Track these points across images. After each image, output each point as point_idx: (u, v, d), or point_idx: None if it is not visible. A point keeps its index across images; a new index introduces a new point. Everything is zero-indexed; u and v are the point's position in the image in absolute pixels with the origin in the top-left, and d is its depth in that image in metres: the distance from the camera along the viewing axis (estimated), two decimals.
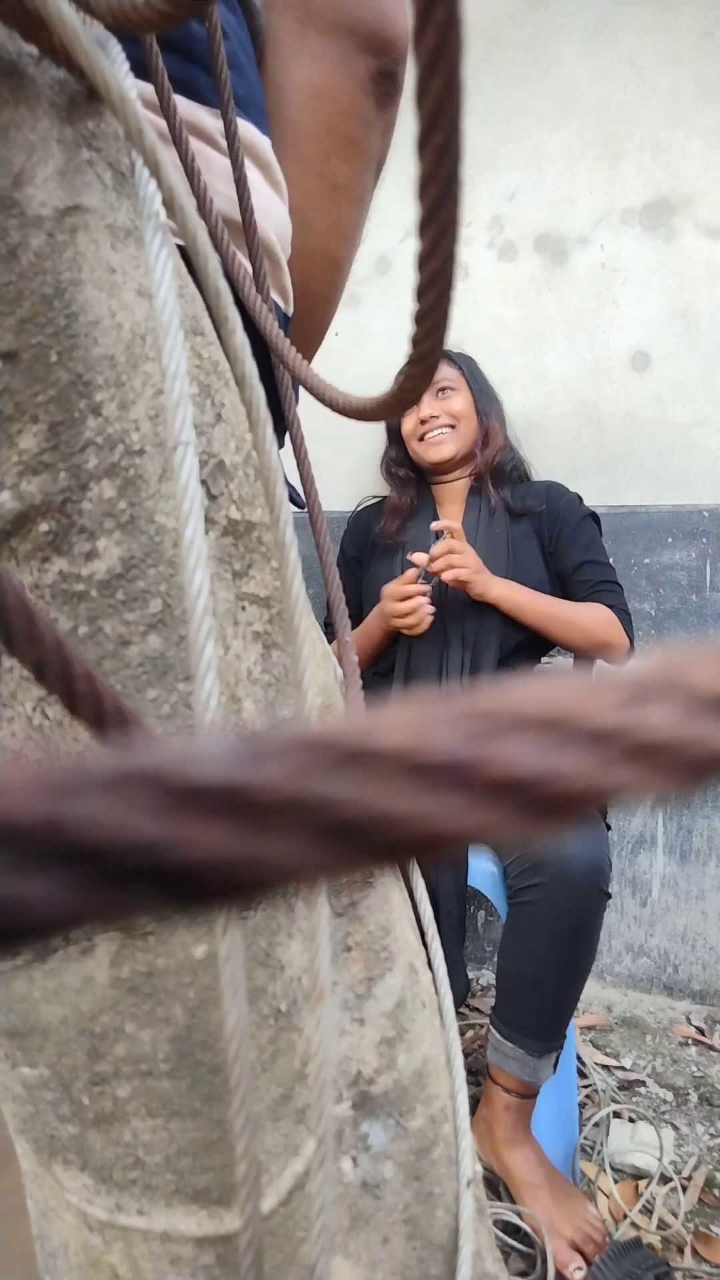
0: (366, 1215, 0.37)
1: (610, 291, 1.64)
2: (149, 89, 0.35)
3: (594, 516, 1.35)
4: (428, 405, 1.39)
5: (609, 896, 1.05)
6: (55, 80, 0.29)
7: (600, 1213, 1.03)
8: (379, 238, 1.77)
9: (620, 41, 1.58)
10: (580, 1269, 0.94)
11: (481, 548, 1.30)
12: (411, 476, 1.48)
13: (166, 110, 0.35)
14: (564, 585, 1.30)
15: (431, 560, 1.19)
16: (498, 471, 1.38)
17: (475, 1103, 1.22)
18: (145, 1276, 0.34)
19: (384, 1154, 0.38)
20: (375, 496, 1.54)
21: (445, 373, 1.41)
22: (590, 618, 1.22)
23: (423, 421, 1.39)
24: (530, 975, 1.03)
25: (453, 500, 1.43)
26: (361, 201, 0.60)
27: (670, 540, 1.59)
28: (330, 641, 0.83)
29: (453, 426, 1.39)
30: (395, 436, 1.50)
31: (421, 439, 1.41)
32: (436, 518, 1.40)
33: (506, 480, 1.39)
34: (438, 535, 1.23)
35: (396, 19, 0.53)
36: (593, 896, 1.02)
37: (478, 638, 1.25)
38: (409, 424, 1.43)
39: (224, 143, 0.46)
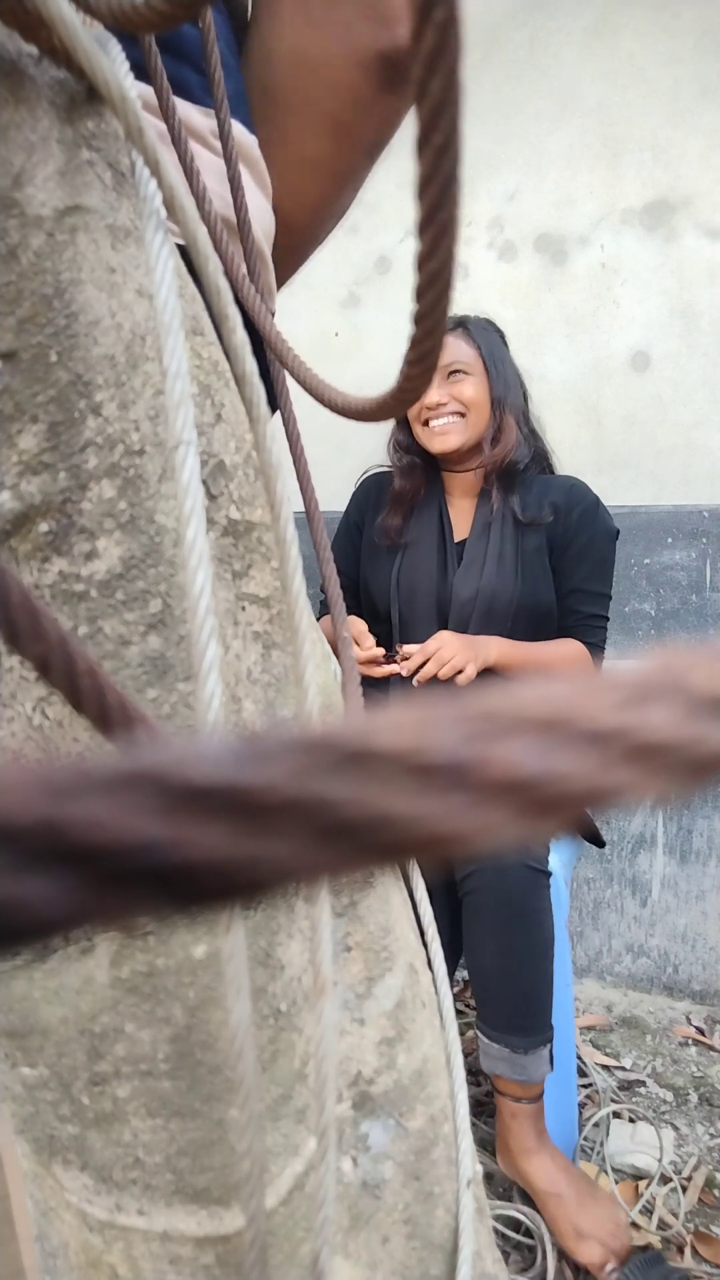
0: (366, 1215, 0.37)
1: (610, 291, 1.64)
2: (147, 90, 0.35)
3: (611, 532, 1.26)
4: (435, 390, 1.23)
5: (548, 875, 1.03)
6: (55, 80, 0.29)
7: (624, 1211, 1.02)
8: (379, 238, 1.77)
9: (620, 41, 1.58)
10: (614, 1270, 0.94)
11: (491, 564, 1.21)
12: (418, 463, 1.32)
13: (166, 111, 0.35)
14: (557, 601, 1.24)
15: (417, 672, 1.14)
16: (508, 472, 1.24)
17: (475, 1103, 1.21)
18: (145, 1276, 0.34)
19: (384, 1154, 0.38)
20: (385, 465, 1.43)
21: (460, 353, 1.23)
22: (561, 656, 1.20)
23: (428, 407, 1.24)
24: (492, 968, 1.03)
25: (463, 493, 1.30)
26: (339, 185, 0.55)
27: (670, 540, 1.59)
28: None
29: (462, 415, 1.23)
30: (401, 418, 1.33)
31: (426, 423, 1.26)
32: (443, 515, 1.29)
33: (518, 483, 1.25)
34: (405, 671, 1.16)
35: None
36: (526, 875, 1.01)
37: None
38: (413, 407, 1.31)
39: (215, 142, 0.46)
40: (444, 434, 1.23)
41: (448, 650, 1.12)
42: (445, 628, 1.22)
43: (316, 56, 0.48)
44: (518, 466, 1.25)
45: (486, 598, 1.20)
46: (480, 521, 1.25)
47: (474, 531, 1.25)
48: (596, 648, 1.23)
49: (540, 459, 1.31)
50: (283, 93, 0.49)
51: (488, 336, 1.27)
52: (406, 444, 1.33)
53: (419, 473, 1.32)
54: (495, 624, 1.20)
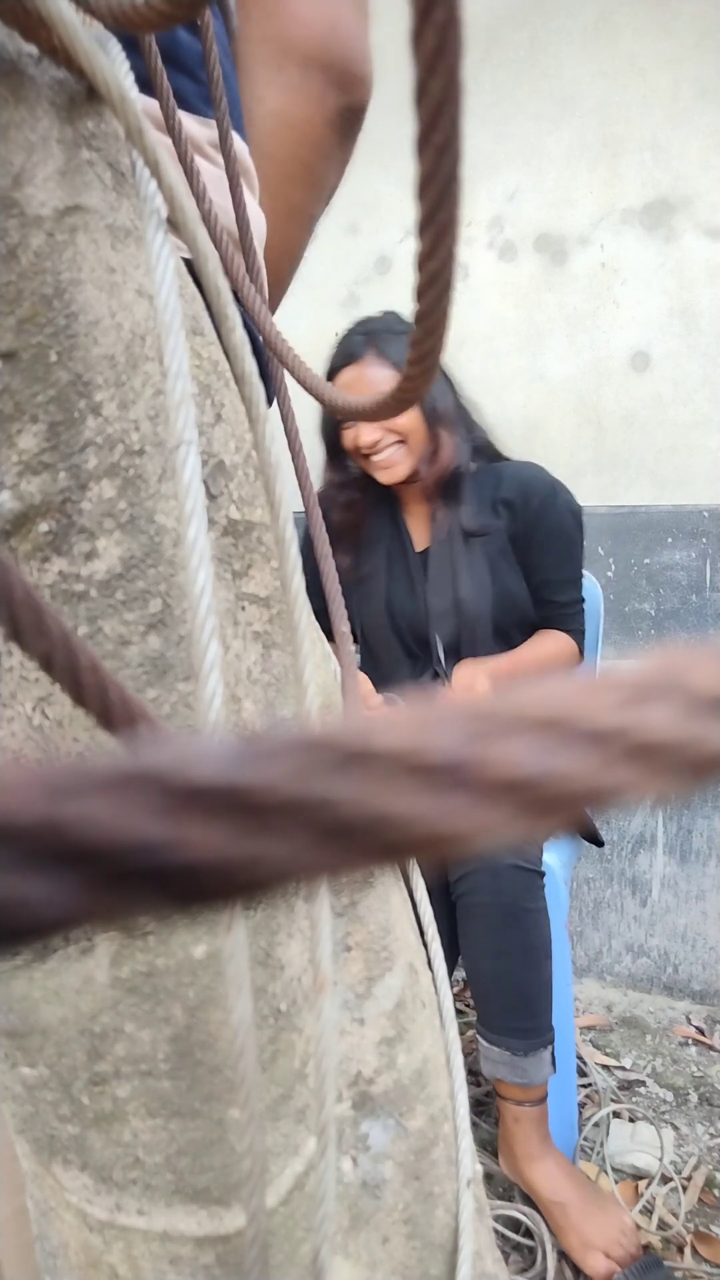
0: (366, 1215, 0.37)
1: (610, 291, 1.64)
2: (149, 102, 0.35)
3: (574, 511, 1.22)
4: (368, 429, 1.16)
5: (541, 874, 1.03)
6: (55, 80, 0.29)
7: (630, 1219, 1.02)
8: (379, 238, 1.77)
9: (620, 41, 1.58)
10: (618, 1275, 0.94)
11: (465, 577, 1.19)
12: (357, 498, 1.26)
13: (168, 115, 0.35)
14: (531, 594, 1.22)
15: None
16: (452, 482, 1.20)
17: (475, 1103, 1.21)
18: (145, 1276, 0.34)
19: (384, 1154, 0.38)
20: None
21: (380, 380, 1.14)
22: (549, 655, 1.19)
23: (366, 448, 1.18)
24: (489, 970, 1.02)
25: (418, 501, 1.25)
26: (309, 227, 0.63)
27: (670, 540, 1.59)
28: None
29: (403, 442, 1.17)
30: (335, 453, 1.26)
31: (367, 457, 1.20)
32: (402, 532, 1.24)
33: (465, 487, 1.21)
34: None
35: (366, 58, 0.56)
36: (518, 876, 1.01)
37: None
38: (347, 441, 1.21)
39: (211, 151, 0.46)
40: (390, 466, 1.18)
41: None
42: (425, 646, 1.20)
43: (295, 117, 0.55)
44: (460, 472, 1.20)
45: (465, 607, 1.19)
46: (440, 529, 1.22)
47: (435, 540, 1.23)
48: (577, 633, 1.22)
49: (483, 449, 1.27)
50: (266, 147, 0.55)
51: (400, 345, 1.16)
52: (341, 481, 1.26)
53: (359, 506, 1.27)
54: (479, 631, 1.19)
